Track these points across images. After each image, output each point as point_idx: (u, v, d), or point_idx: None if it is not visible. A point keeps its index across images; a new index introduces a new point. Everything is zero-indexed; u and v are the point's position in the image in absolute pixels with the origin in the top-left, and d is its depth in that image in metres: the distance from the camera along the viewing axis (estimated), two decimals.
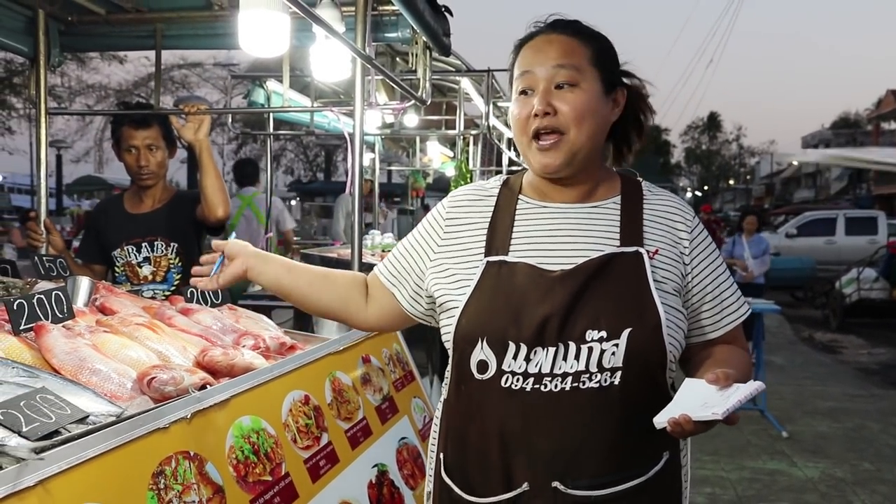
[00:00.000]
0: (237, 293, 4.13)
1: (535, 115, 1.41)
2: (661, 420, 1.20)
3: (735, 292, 1.51)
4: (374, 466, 2.11)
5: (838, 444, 5.49)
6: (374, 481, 2.07)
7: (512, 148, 8.56)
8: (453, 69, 5.74)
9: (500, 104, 6.88)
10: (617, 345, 1.33)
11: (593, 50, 1.44)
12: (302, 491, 1.72)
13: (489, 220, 1.51)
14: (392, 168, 10.99)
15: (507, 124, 7.86)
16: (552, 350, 1.34)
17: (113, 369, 1.58)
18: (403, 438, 2.33)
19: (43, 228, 3.12)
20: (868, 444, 5.48)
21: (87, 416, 1.30)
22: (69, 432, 1.23)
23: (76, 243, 5.71)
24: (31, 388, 1.31)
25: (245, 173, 6.57)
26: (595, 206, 1.48)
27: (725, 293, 1.49)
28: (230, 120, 6.82)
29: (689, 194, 48.93)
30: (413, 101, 3.59)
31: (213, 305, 2.32)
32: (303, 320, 3.78)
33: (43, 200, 3.32)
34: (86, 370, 1.55)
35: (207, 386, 1.59)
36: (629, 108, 1.51)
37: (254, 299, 4.11)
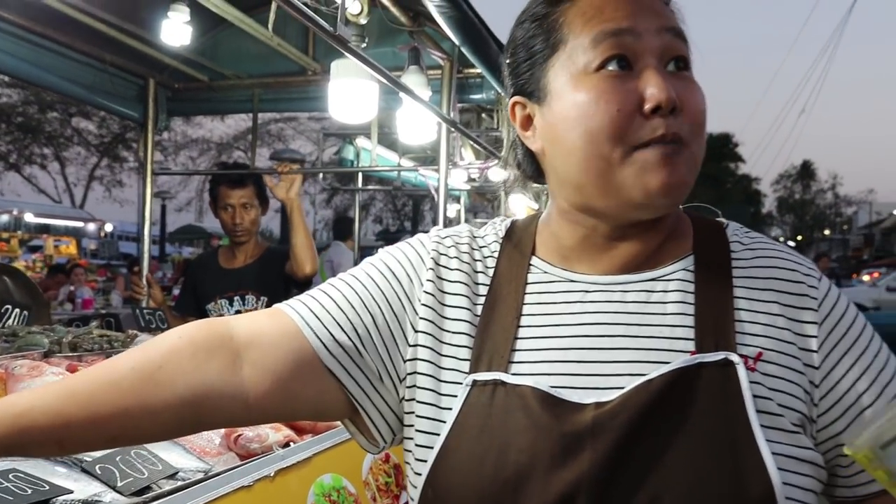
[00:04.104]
0: None
1: (658, 108, 0.78)
2: None
3: None
4: None
5: None
6: None
7: None
8: None
9: None
10: None
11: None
12: None
13: (482, 300, 0.89)
14: (478, 220, 11.11)
15: None
16: None
17: None
18: None
19: (145, 283, 3.30)
20: None
21: (177, 472, 1.37)
22: (160, 488, 1.30)
23: (176, 291, 6.02)
24: None
25: (338, 228, 7.68)
26: (653, 281, 0.86)
27: None
28: (321, 175, 7.13)
29: None
30: (498, 161, 3.66)
31: None
32: None
33: (146, 253, 3.55)
34: None
35: (291, 443, 1.64)
36: None
37: None
